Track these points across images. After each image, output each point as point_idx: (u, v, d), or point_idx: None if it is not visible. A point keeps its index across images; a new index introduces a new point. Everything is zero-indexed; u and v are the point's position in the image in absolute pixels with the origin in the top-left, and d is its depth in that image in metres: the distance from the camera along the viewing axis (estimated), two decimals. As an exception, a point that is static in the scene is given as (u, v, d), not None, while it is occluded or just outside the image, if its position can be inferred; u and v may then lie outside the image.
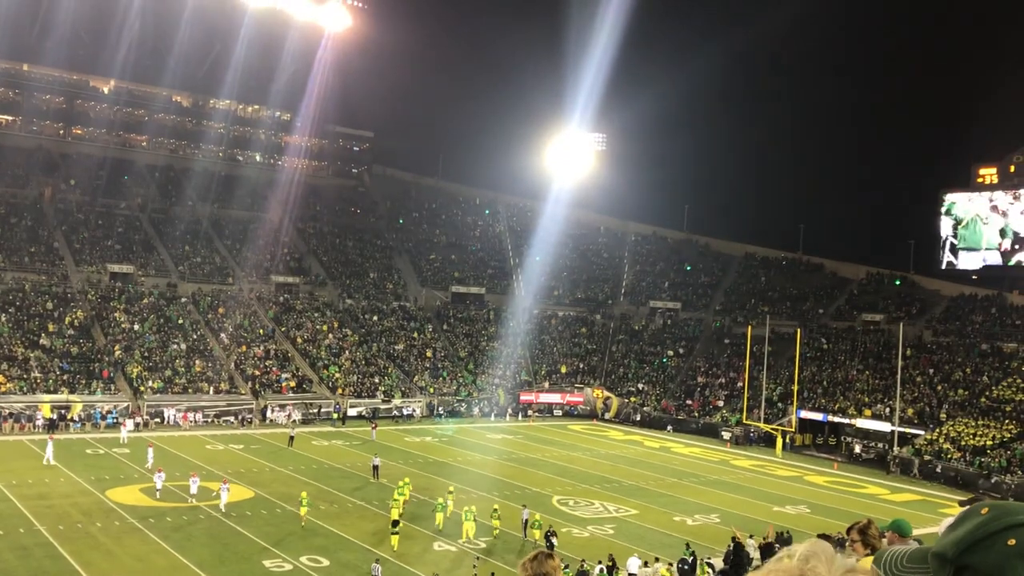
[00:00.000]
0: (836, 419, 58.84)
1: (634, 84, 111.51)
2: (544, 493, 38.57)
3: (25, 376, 52.82)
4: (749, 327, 63.69)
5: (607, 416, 67.31)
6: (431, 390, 65.78)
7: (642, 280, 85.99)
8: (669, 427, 63.00)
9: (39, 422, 49.41)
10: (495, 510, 32.47)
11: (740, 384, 63.85)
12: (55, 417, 49.84)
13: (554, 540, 28.12)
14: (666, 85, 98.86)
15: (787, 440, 57.35)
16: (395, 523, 29.58)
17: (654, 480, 44.04)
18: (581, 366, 73.77)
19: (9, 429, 48.18)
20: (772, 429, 58.08)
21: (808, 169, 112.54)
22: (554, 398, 69.47)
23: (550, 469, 45.51)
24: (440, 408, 64.07)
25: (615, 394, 69.09)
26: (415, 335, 72.54)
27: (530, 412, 66.74)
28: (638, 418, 65.93)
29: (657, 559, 27.96)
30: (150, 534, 29.48)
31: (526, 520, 32.03)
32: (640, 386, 70.37)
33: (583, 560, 27.34)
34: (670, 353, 73.83)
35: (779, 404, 61.68)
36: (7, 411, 49.43)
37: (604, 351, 76.00)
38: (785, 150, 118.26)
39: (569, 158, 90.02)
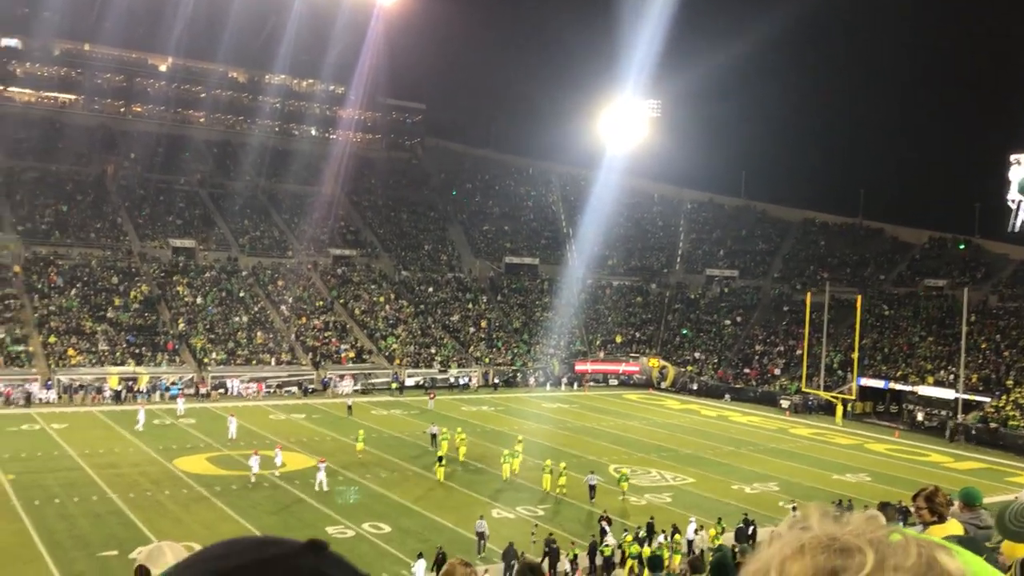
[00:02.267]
0: (898, 386, 57.79)
1: (690, 48, 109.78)
2: (600, 461, 38.66)
3: (93, 349, 54.41)
4: (808, 294, 62.70)
5: (663, 385, 67.06)
6: (486, 360, 66.20)
7: (698, 248, 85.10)
8: (726, 396, 62.56)
9: (107, 394, 50.94)
10: (562, 469, 33.08)
11: (799, 352, 63.03)
12: (122, 389, 51.30)
13: (608, 528, 27.86)
14: (723, 49, 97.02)
15: (847, 408, 56.57)
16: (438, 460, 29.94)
17: (711, 449, 43.85)
18: (636, 336, 73.49)
19: (80, 400, 49.78)
20: (832, 397, 57.31)
21: (868, 132, 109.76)
22: (609, 368, 69.39)
23: (606, 438, 45.59)
24: (496, 378, 64.44)
25: (671, 363, 68.77)
26: (470, 306, 72.95)
27: (585, 382, 66.79)
28: (695, 387, 65.56)
29: (701, 527, 27.87)
30: (216, 502, 30.30)
31: (592, 485, 32.39)
32: (697, 355, 69.91)
33: (638, 527, 27.43)
34: (727, 322, 73.13)
35: (839, 372, 60.80)
36: (77, 383, 51.04)
37: (660, 320, 75.58)
38: (844, 113, 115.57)
39: (623, 126, 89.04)
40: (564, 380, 65.86)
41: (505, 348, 68.54)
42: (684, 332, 73.38)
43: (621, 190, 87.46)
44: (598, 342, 72.31)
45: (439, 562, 23.23)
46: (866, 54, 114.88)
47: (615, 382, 68.46)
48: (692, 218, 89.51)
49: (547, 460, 34.82)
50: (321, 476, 32.34)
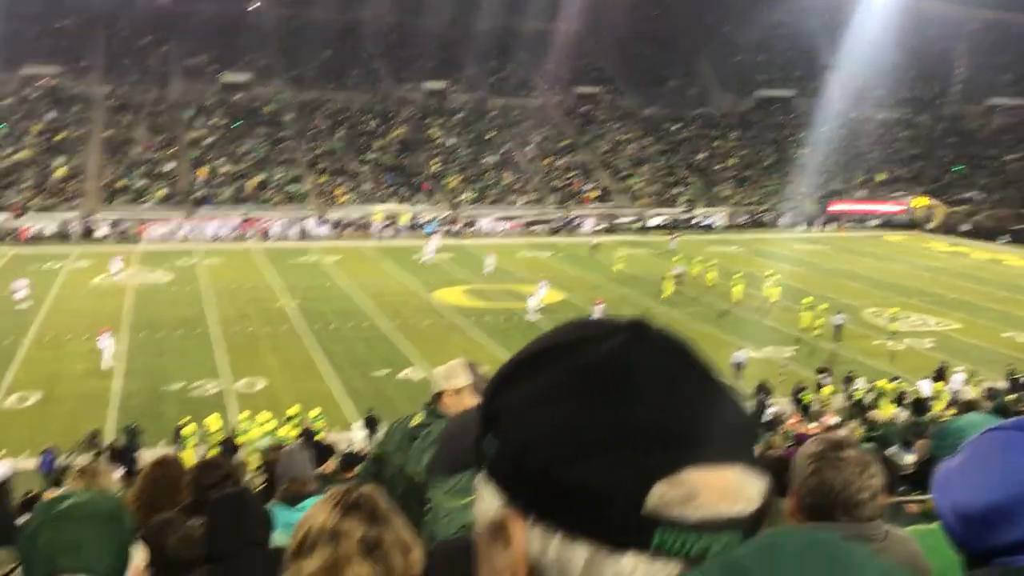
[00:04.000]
0: None
1: None
2: (854, 304, 37.02)
3: (358, 188, 58.44)
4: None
5: (930, 227, 62.23)
6: (734, 200, 64.29)
7: (979, 75, 76.21)
8: (1003, 238, 57.13)
9: (372, 230, 54.93)
10: (822, 309, 32.45)
11: (1096, 190, 55.95)
12: (385, 225, 55.06)
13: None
14: None
15: None
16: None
17: (982, 294, 40.62)
18: (901, 173, 68.14)
19: (349, 236, 54.10)
20: None
21: None
22: (869, 208, 65.22)
23: (863, 281, 43.42)
24: (743, 218, 62.63)
25: (940, 203, 63.43)
26: (717, 143, 70.50)
27: (841, 223, 63.36)
28: (966, 229, 60.30)
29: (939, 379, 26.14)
30: (471, 331, 32.28)
31: (838, 325, 31.40)
32: (971, 194, 63.91)
33: (897, 377, 26.29)
34: (1009, 157, 65.88)
35: None
36: (346, 220, 55.36)
37: (929, 156, 69.43)
38: None
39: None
40: (818, 221, 62.84)
41: (755, 187, 66.09)
42: (957, 168, 67.08)
43: (889, 11, 79.14)
44: (858, 180, 67.88)
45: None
46: None
47: (875, 223, 64.41)
48: (975, 40, 79.80)
49: (807, 298, 34.14)
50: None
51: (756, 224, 62.43)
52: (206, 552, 3.54)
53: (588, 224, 58.66)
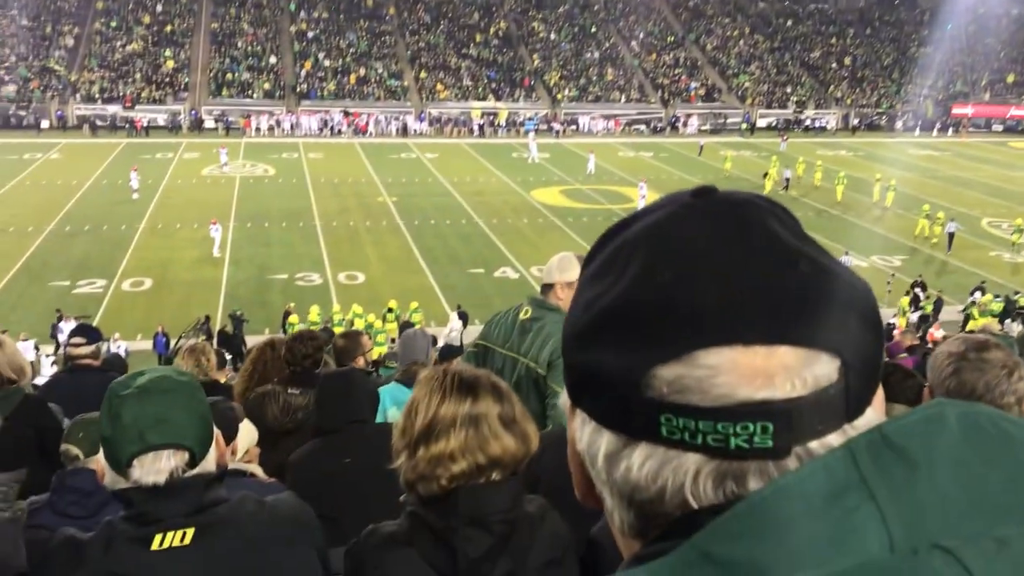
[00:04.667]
0: None
1: None
2: (972, 215, 35.24)
3: (458, 84, 57.93)
4: None
5: (1061, 133, 58.36)
6: (848, 101, 61.35)
7: None
8: None
9: (473, 126, 54.63)
10: (940, 218, 31.26)
11: None
12: (483, 123, 54.64)
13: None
14: None
15: None
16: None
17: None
18: (1034, 74, 63.71)
19: (448, 133, 53.97)
20: None
21: None
22: (995, 111, 61.36)
23: (982, 189, 41.19)
24: (858, 120, 59.83)
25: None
26: (833, 40, 66.97)
27: (963, 127, 59.88)
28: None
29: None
30: (568, 231, 32.07)
31: (951, 234, 30.10)
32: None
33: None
34: None
35: None
36: (446, 116, 55.15)
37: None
38: None
39: None
40: (938, 125, 59.56)
41: (871, 88, 62.84)
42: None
43: None
44: (983, 82, 63.75)
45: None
46: None
47: (1000, 128, 60.66)
48: None
49: (925, 205, 32.84)
50: None
51: (871, 127, 59.62)
52: (314, 425, 3.65)
53: (693, 124, 57.04)
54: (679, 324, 0.59)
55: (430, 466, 1.84)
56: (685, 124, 57.03)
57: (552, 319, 3.44)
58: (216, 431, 1.92)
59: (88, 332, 5.64)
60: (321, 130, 52.20)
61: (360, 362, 5.67)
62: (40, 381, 7.37)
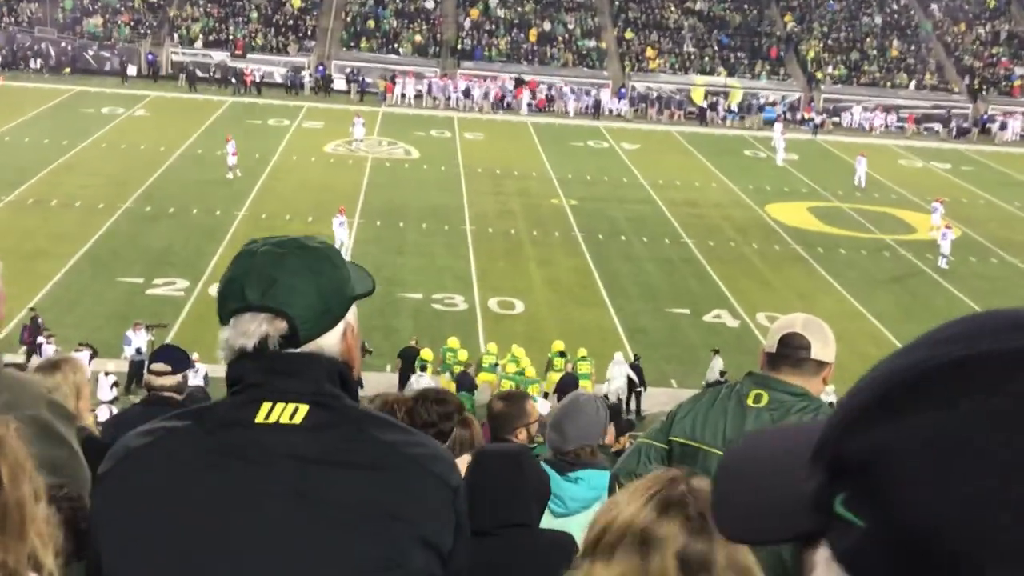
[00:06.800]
0: None
1: None
2: None
3: (676, 51, 57.88)
4: None
5: None
6: None
7: None
8: None
9: (690, 109, 54.27)
10: None
11: None
12: (706, 105, 54.20)
13: None
14: None
15: None
16: None
17: None
18: None
19: (656, 117, 53.84)
20: None
21: None
22: None
23: None
24: None
25: None
26: None
27: None
28: None
29: None
30: (816, 266, 31.34)
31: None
32: None
33: None
34: None
35: None
36: (655, 93, 55.10)
37: None
38: None
39: None
40: None
41: None
42: None
43: None
44: None
45: None
46: None
47: None
48: None
49: None
50: None
51: None
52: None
53: (1014, 126, 54.79)
54: None
55: None
56: (1002, 127, 54.85)
57: (804, 412, 3.34)
58: (348, 317, 2.11)
59: (175, 358, 6.07)
60: (485, 103, 53.34)
61: (522, 435, 5.60)
62: (104, 411, 7.81)
